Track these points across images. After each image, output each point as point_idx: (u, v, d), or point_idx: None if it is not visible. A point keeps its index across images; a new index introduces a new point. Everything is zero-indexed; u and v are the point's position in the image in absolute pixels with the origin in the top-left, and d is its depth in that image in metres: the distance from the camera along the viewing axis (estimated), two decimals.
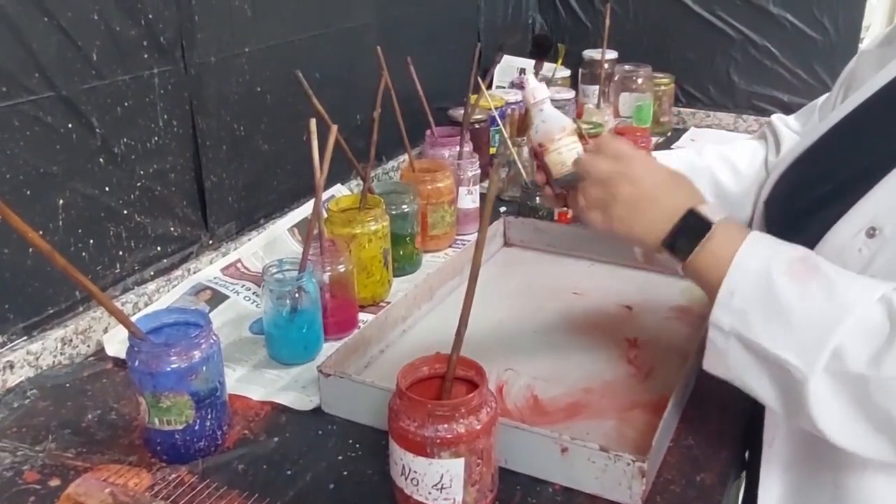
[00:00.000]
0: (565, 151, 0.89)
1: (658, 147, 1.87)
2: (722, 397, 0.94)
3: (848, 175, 0.79)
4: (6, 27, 0.90)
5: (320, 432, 0.90)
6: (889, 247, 0.72)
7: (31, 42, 0.92)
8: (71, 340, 1.03)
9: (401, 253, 1.26)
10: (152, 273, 1.15)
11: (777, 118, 1.10)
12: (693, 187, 0.82)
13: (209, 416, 0.84)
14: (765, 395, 0.73)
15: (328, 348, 1.03)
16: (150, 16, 1.05)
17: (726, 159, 1.08)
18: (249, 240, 1.28)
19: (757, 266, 0.72)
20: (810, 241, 0.76)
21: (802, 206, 0.79)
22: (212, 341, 0.84)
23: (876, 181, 0.74)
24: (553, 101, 1.80)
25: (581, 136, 0.91)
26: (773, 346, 0.70)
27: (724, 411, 0.92)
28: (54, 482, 0.82)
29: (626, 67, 1.92)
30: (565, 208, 0.96)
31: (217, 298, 1.15)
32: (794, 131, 1.07)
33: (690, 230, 0.77)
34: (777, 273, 0.71)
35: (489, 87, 1.85)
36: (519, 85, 1.95)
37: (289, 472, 0.84)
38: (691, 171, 0.96)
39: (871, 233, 0.73)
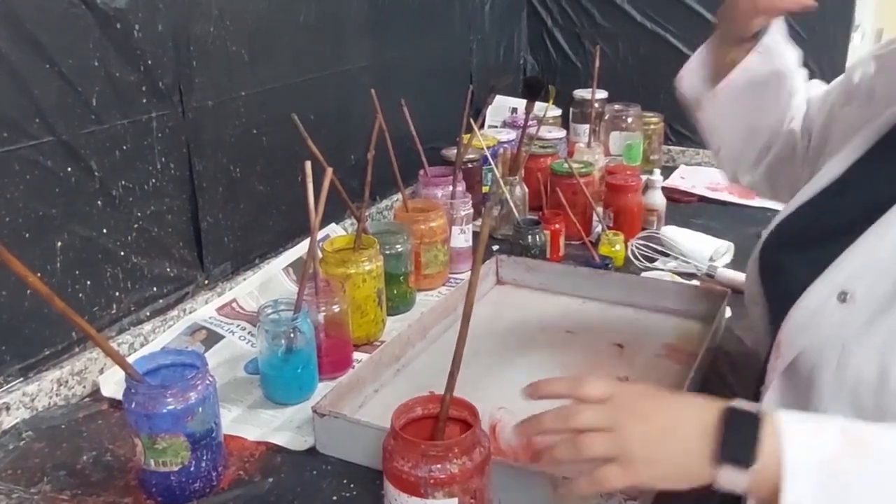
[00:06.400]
0: None
1: (650, 184, 1.89)
2: None
3: (825, 235, 0.77)
4: (8, 75, 0.92)
5: (315, 472, 0.91)
6: (862, 312, 0.70)
7: (33, 89, 0.94)
8: (67, 381, 1.04)
9: (395, 292, 1.27)
10: (148, 313, 1.16)
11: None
12: (692, 395, 0.72)
13: (205, 458, 0.85)
14: None
15: (323, 388, 1.04)
16: (150, 61, 1.08)
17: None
18: (245, 280, 1.29)
19: (811, 469, 0.61)
20: (786, 302, 0.75)
21: (782, 262, 0.79)
22: (207, 382, 0.85)
23: (848, 244, 0.73)
24: (544, 139, 1.83)
25: None
26: None
27: None
28: None
29: (616, 107, 1.95)
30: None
31: (212, 338, 1.16)
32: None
33: (742, 429, 0.63)
34: (832, 474, 0.61)
35: (481, 127, 1.88)
36: (511, 124, 1.98)
37: None
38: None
39: (843, 297, 0.72)
